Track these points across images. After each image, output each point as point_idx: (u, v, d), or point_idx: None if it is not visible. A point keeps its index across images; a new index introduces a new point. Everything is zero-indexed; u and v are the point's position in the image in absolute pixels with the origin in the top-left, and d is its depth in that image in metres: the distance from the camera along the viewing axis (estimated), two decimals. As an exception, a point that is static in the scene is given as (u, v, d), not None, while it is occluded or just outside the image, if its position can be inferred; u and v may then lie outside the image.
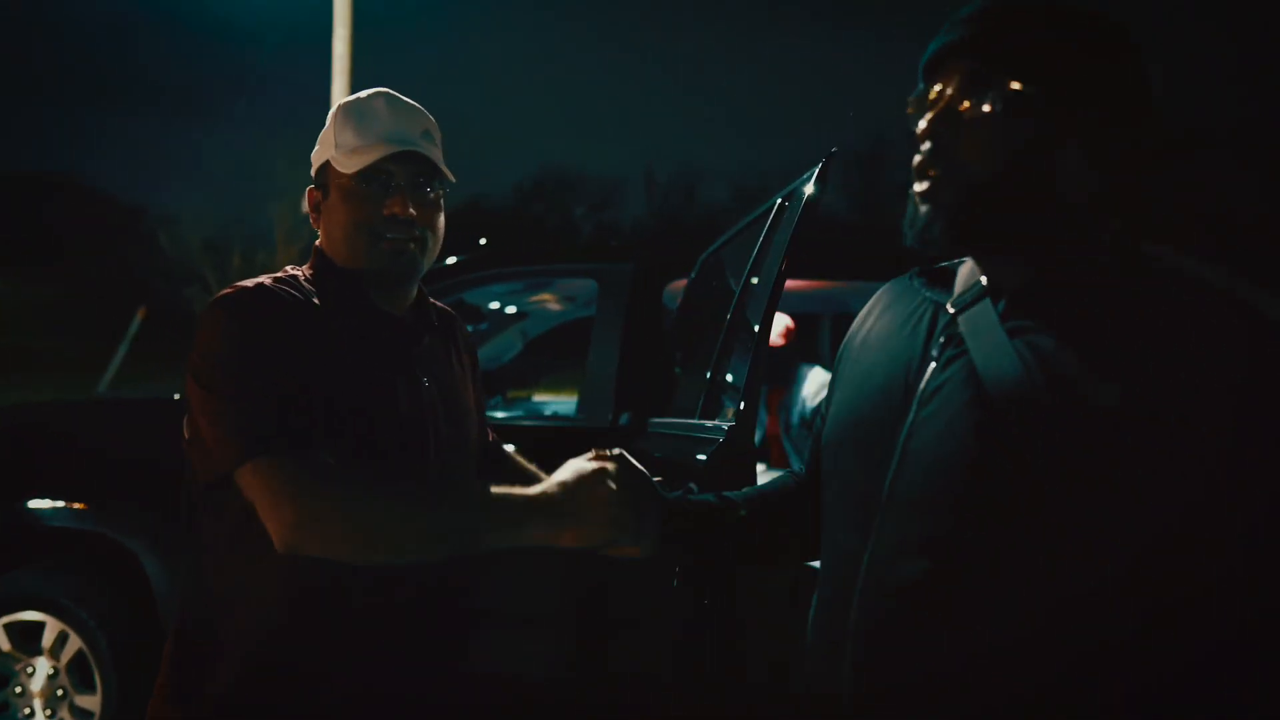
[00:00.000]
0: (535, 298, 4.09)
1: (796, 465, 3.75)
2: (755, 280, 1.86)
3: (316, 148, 1.34)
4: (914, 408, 0.88)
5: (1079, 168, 0.83)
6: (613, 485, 1.13)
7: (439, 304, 1.46)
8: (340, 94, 10.33)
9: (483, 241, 3.17)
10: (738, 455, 1.58)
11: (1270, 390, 0.74)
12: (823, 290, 3.72)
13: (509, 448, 1.65)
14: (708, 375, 1.94)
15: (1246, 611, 0.75)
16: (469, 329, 4.12)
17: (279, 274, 1.31)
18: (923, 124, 0.88)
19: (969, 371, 0.84)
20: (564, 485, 1.13)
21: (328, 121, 1.33)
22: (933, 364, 0.89)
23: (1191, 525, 0.74)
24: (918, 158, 0.89)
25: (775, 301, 1.68)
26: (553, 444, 2.76)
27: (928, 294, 0.96)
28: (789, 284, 3.60)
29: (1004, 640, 0.79)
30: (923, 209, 0.88)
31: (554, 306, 4.29)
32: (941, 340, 0.90)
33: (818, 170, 1.73)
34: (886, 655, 0.85)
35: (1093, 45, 0.84)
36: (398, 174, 1.28)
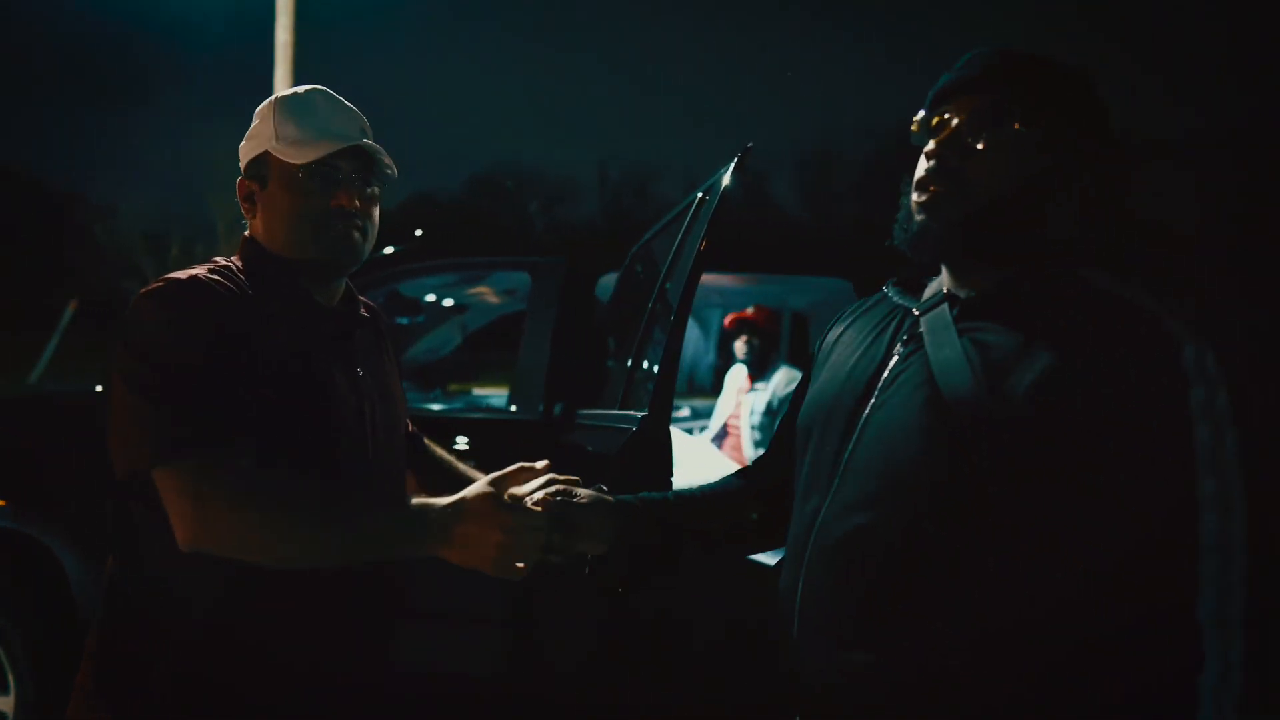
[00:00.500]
0: (473, 290, 4.07)
1: (751, 453, 3.86)
2: (673, 273, 1.88)
3: (247, 140, 1.35)
4: (876, 392, 1.03)
5: (1068, 201, 0.99)
6: (500, 517, 1.14)
7: (363, 299, 1.47)
8: (283, 83, 10.12)
9: (418, 233, 3.14)
10: (649, 445, 1.60)
11: (1145, 385, 0.89)
12: (779, 283, 3.80)
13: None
14: (628, 366, 1.96)
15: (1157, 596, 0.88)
16: (405, 321, 4.12)
17: (211, 265, 1.31)
18: (932, 144, 1.01)
19: (924, 364, 0.99)
20: (458, 510, 1.15)
21: (260, 114, 1.34)
22: (895, 358, 1.04)
23: (1084, 506, 0.88)
24: (921, 172, 1.01)
25: (691, 292, 1.70)
26: (484, 436, 2.76)
27: (899, 301, 1.11)
28: (761, 277, 3.74)
29: (928, 587, 0.94)
30: (919, 218, 1.01)
31: (493, 300, 4.28)
32: (905, 338, 1.05)
33: (734, 164, 1.76)
34: (823, 597, 1.00)
35: (1084, 99, 1.00)
36: (344, 168, 1.30)
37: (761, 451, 3.98)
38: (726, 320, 4.34)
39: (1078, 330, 0.92)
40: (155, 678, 1.20)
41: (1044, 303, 0.96)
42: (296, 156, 1.28)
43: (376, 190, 1.36)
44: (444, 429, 2.87)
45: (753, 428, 4.01)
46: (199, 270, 1.26)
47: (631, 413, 1.77)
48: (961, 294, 1.03)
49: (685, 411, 4.95)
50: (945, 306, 1.03)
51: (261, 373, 1.20)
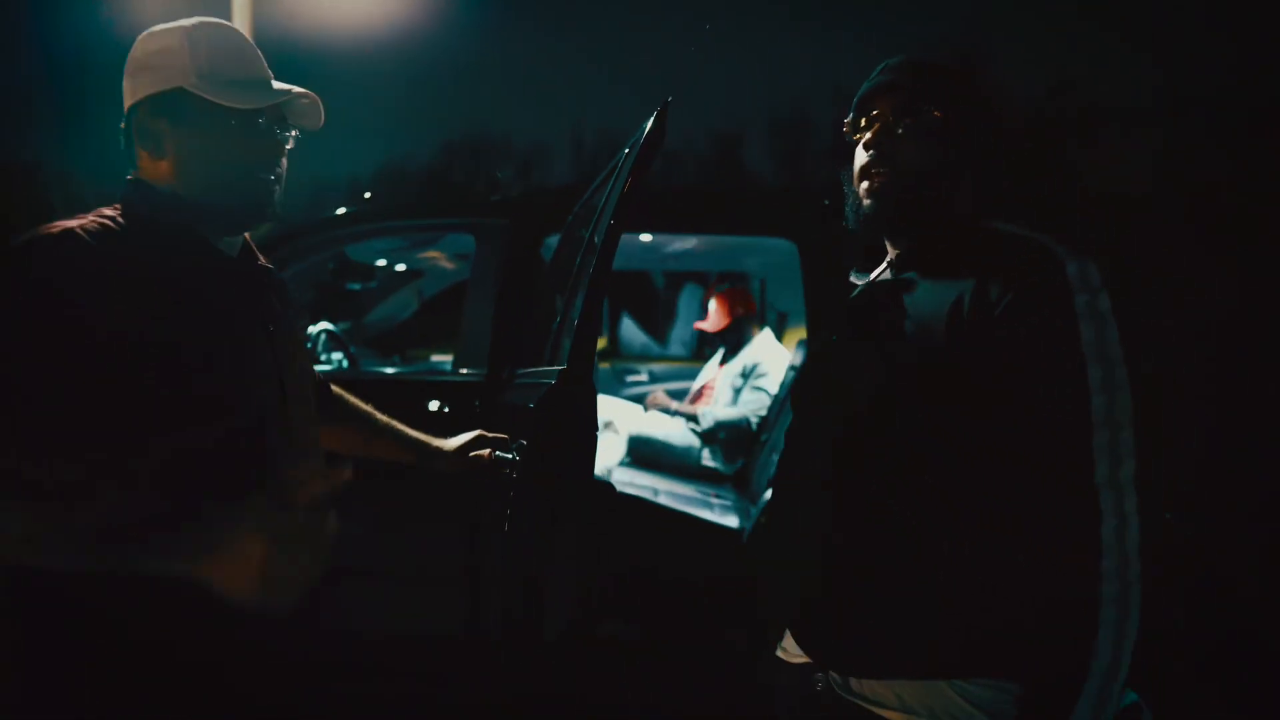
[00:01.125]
0: (427, 255, 4.04)
1: (720, 410, 3.95)
2: (599, 227, 1.87)
3: (147, 71, 1.24)
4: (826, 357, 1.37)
5: (969, 175, 1.23)
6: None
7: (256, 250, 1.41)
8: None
9: (367, 195, 3.10)
10: (567, 399, 1.60)
11: (1037, 296, 1.08)
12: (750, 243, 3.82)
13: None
14: (556, 323, 1.96)
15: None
16: (356, 286, 4.08)
17: (91, 216, 1.22)
18: (868, 136, 1.24)
19: (874, 319, 1.25)
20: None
21: (167, 45, 1.24)
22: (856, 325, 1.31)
23: (995, 400, 1.08)
24: (863, 161, 1.24)
25: (611, 244, 1.70)
26: (428, 397, 2.76)
27: (858, 279, 1.37)
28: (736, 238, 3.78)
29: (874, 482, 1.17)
30: (867, 202, 1.24)
31: (448, 265, 4.25)
32: (862, 310, 1.30)
33: (654, 116, 1.74)
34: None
35: (972, 93, 1.25)
36: (271, 115, 1.27)
37: (731, 409, 4.02)
38: (695, 327, 4.39)
39: (983, 262, 1.13)
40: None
41: (961, 247, 1.18)
42: (236, 100, 1.21)
43: (292, 141, 1.32)
44: (385, 391, 2.88)
45: (733, 390, 4.10)
46: (74, 223, 1.16)
47: (554, 368, 1.77)
48: (898, 253, 1.27)
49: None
50: (888, 269, 1.28)
51: (162, 331, 1.13)
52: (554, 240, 2.91)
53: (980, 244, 1.17)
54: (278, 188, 1.29)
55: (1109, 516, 1.03)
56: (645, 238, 3.94)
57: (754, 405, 3.94)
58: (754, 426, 3.92)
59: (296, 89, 1.28)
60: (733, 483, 3.95)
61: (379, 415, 1.67)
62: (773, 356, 4.05)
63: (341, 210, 3.05)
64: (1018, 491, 1.07)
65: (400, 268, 4.16)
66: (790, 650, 1.33)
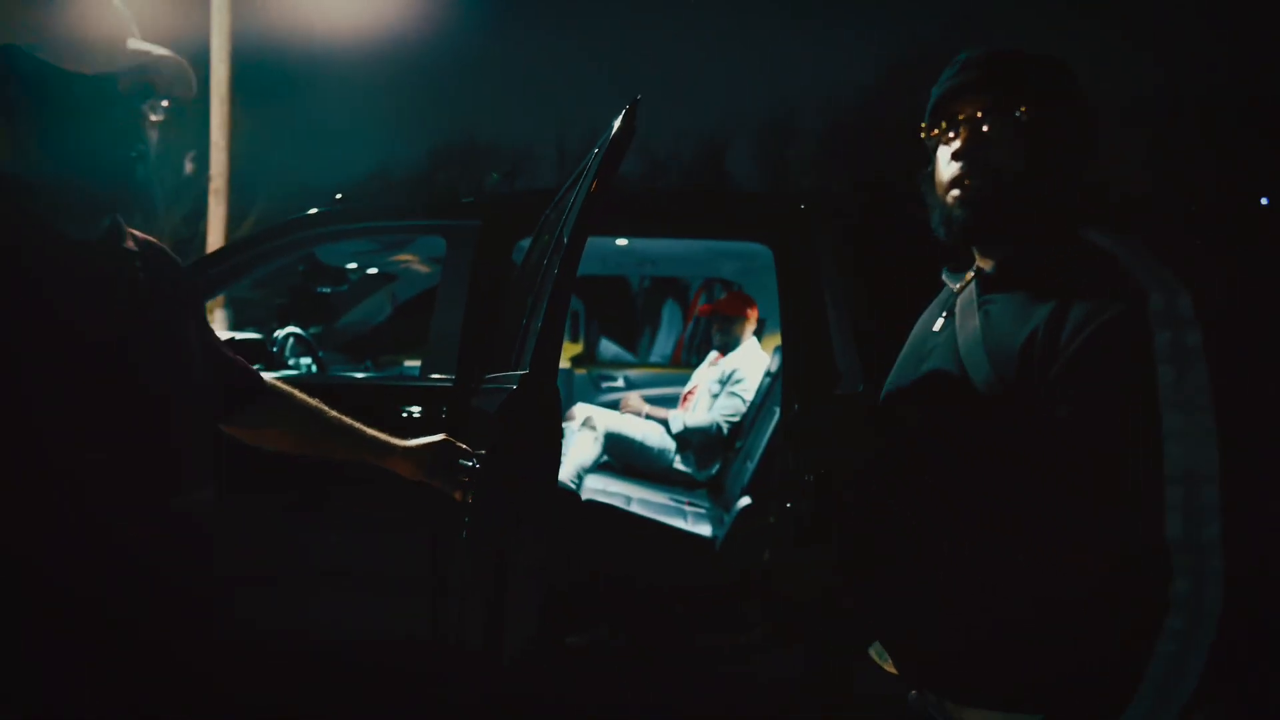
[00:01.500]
0: (399, 258, 3.98)
1: (702, 415, 3.95)
2: (565, 230, 1.83)
3: None
4: (923, 356, 1.23)
5: (1065, 175, 1.15)
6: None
7: (137, 233, 1.29)
8: (220, 53, 9.80)
9: (338, 197, 3.04)
10: (529, 405, 1.56)
11: (1113, 334, 0.99)
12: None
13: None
14: (522, 325, 1.92)
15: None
16: (327, 290, 4.01)
17: None
18: (958, 144, 1.16)
19: (953, 332, 1.18)
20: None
21: None
22: (935, 329, 1.24)
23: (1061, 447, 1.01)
24: (956, 171, 1.17)
25: (576, 249, 1.66)
26: (395, 403, 2.71)
27: (949, 281, 1.29)
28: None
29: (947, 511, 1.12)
30: (959, 211, 1.16)
31: (421, 269, 4.20)
32: (944, 314, 1.24)
33: (623, 114, 1.71)
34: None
35: (1065, 86, 1.17)
36: (130, 81, 1.14)
37: (702, 415, 4.01)
38: (701, 309, 4.41)
39: (1065, 285, 1.05)
40: None
41: (1047, 267, 1.10)
42: (82, 62, 1.08)
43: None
44: (357, 396, 2.82)
45: (711, 395, 4.09)
46: None
47: (517, 372, 1.72)
48: (986, 269, 1.20)
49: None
50: (974, 284, 1.20)
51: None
52: (527, 243, 2.87)
53: (1070, 260, 1.08)
54: (141, 165, 1.14)
55: (1182, 576, 0.93)
56: (620, 242, 3.90)
57: (727, 411, 3.91)
58: (725, 432, 3.89)
59: (158, 50, 1.15)
60: (708, 489, 3.91)
61: (330, 412, 1.62)
62: (752, 363, 4.03)
63: (313, 211, 2.99)
64: (1087, 536, 0.99)
65: (372, 271, 4.10)
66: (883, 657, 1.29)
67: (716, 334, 4.26)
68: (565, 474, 3.97)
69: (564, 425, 4.48)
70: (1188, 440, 0.94)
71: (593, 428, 4.03)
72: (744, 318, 4.18)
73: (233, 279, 2.88)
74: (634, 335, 5.58)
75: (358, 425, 1.63)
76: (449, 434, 1.68)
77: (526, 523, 1.57)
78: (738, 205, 3.10)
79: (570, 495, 2.76)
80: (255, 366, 2.63)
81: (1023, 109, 1.14)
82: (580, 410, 4.39)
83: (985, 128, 1.15)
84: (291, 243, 2.90)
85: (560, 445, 1.67)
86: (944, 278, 1.30)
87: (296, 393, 1.60)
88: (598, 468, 4.04)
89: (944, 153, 1.18)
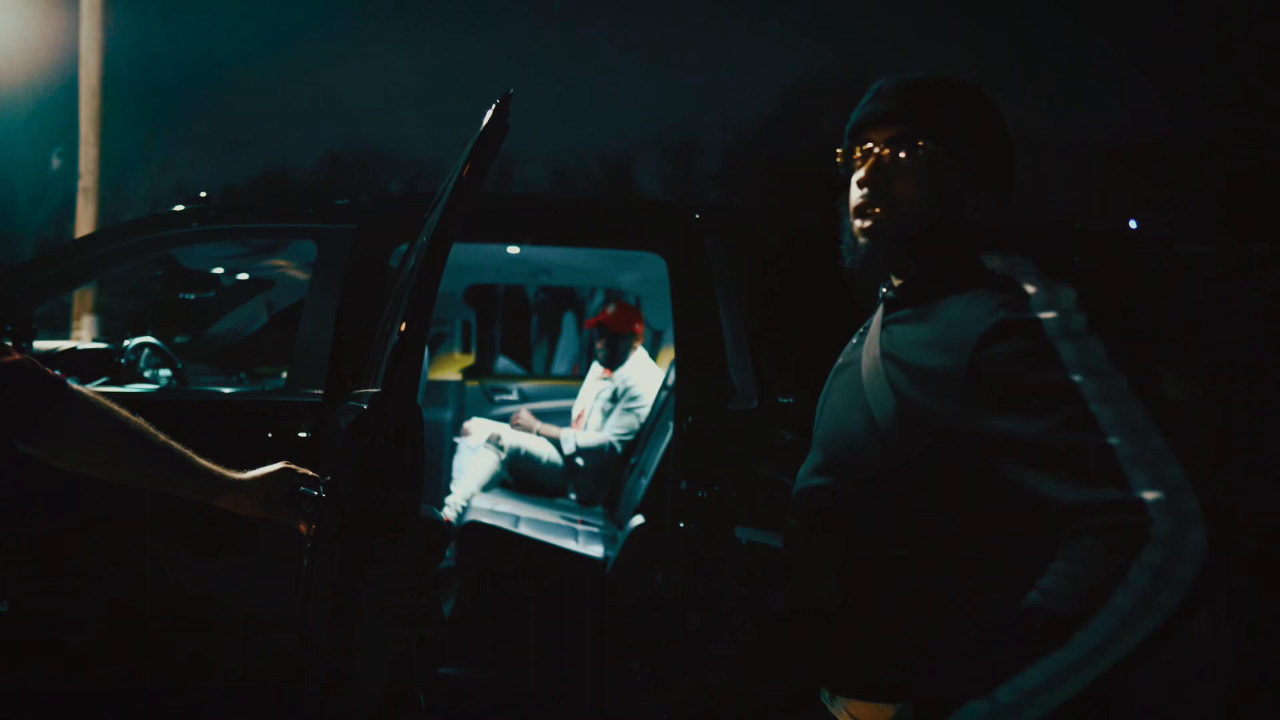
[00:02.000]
0: (273, 263, 3.72)
1: (583, 439, 3.82)
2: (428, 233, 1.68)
3: None
4: (834, 374, 1.27)
5: (974, 203, 1.16)
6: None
7: None
8: (90, 42, 9.16)
9: (203, 195, 2.77)
10: (380, 425, 1.40)
11: (1000, 358, 1.01)
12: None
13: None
14: (383, 339, 1.75)
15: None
16: (190, 296, 3.71)
17: None
18: (862, 173, 1.17)
19: (862, 353, 1.20)
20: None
21: None
22: (850, 345, 1.28)
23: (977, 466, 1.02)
24: (858, 200, 1.18)
25: (439, 252, 1.51)
26: (257, 418, 2.48)
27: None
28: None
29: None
30: (863, 241, 1.18)
31: (300, 275, 3.94)
32: (861, 331, 1.27)
33: (492, 110, 1.57)
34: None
35: (978, 111, 1.18)
36: None
37: (594, 435, 3.89)
38: (587, 322, 4.28)
39: (960, 301, 1.08)
40: None
41: (947, 286, 1.11)
42: None
43: None
44: (205, 412, 2.57)
45: (603, 413, 3.98)
46: None
47: (371, 390, 1.56)
48: (890, 291, 1.22)
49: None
50: (883, 304, 1.22)
51: None
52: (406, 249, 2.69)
53: (966, 281, 1.10)
54: None
55: (1161, 519, 0.91)
56: (513, 250, 3.75)
57: (621, 429, 3.80)
58: (620, 450, 3.78)
59: None
60: (603, 505, 3.79)
61: (159, 436, 1.41)
62: (645, 378, 3.93)
63: (179, 208, 2.73)
64: (1018, 524, 1.01)
65: (243, 277, 3.81)
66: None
67: (602, 349, 4.12)
68: (463, 493, 3.84)
69: (458, 441, 4.30)
70: (1110, 400, 0.95)
71: (499, 446, 3.88)
72: (632, 333, 4.06)
73: (68, 283, 2.59)
74: (530, 347, 5.42)
75: (189, 454, 1.43)
76: (310, 456, 1.49)
77: (377, 555, 1.41)
78: (631, 214, 3.00)
79: (436, 525, 2.58)
80: (99, 381, 2.37)
81: (922, 143, 1.14)
82: (476, 425, 4.21)
83: (889, 159, 1.16)
84: (141, 244, 2.64)
85: (421, 468, 1.51)
86: (883, 291, 1.28)
87: (118, 409, 1.39)
88: (495, 484, 3.88)
89: (853, 180, 1.19)
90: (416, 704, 1.76)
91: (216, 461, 1.46)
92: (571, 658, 2.73)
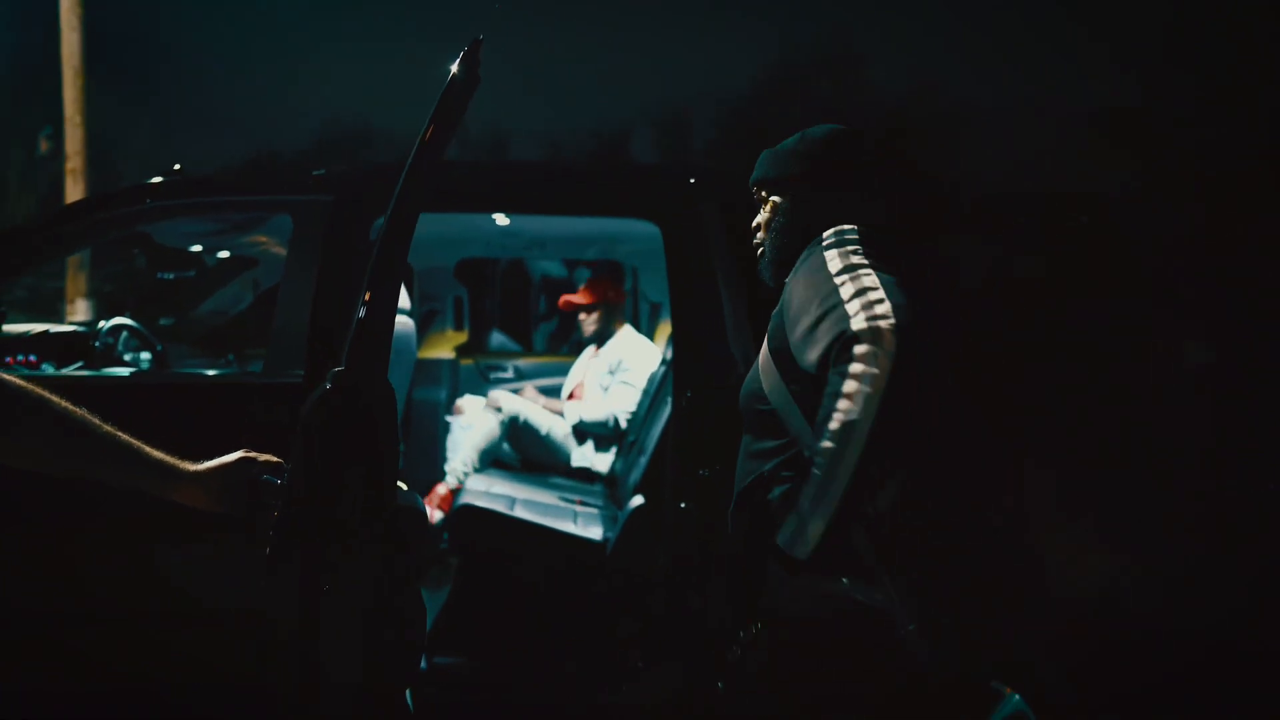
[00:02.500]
0: (254, 239, 3.58)
1: (586, 413, 3.72)
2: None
3: None
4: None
5: (811, 224, 1.62)
6: None
7: None
8: (70, 19, 8.96)
9: (177, 167, 2.63)
10: (341, 407, 1.27)
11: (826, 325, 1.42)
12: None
13: None
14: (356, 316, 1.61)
15: None
16: (169, 276, 3.58)
17: None
18: (757, 219, 1.74)
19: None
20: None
21: None
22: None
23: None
24: (757, 236, 1.75)
25: (403, 221, 1.37)
26: (233, 401, 2.36)
27: None
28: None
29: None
30: (761, 264, 1.73)
31: (280, 250, 3.80)
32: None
33: (459, 59, 1.43)
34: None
35: (809, 161, 1.65)
36: None
37: (595, 409, 3.78)
38: (560, 302, 4.13)
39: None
40: None
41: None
42: None
43: None
44: (187, 398, 2.45)
45: (601, 388, 3.86)
46: None
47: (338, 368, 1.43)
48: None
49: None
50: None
51: None
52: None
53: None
54: None
55: (831, 416, 1.33)
56: (502, 221, 3.61)
57: (622, 403, 3.68)
58: (623, 425, 3.66)
59: None
60: (604, 484, 3.68)
61: (103, 427, 1.29)
62: (637, 352, 3.81)
63: (155, 180, 2.58)
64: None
65: (224, 254, 3.68)
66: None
67: (584, 330, 4.00)
68: (462, 463, 3.77)
69: (451, 420, 4.18)
70: (856, 279, 1.42)
71: (498, 409, 3.77)
72: (605, 302, 3.91)
73: (27, 263, 2.45)
74: (529, 323, 5.27)
75: (137, 445, 1.30)
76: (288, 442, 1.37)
77: (344, 547, 1.29)
78: (622, 179, 2.84)
79: (415, 513, 2.45)
80: (74, 366, 2.22)
81: (779, 199, 1.67)
82: (470, 403, 4.09)
83: (760, 214, 1.71)
84: (107, 220, 2.50)
85: (394, 451, 1.39)
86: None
87: (55, 400, 1.26)
88: (490, 463, 3.78)
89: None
90: (402, 704, 1.65)
91: (192, 449, 1.35)
92: (570, 646, 2.63)
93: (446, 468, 3.81)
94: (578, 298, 3.96)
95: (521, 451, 3.86)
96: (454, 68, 1.42)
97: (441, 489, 3.71)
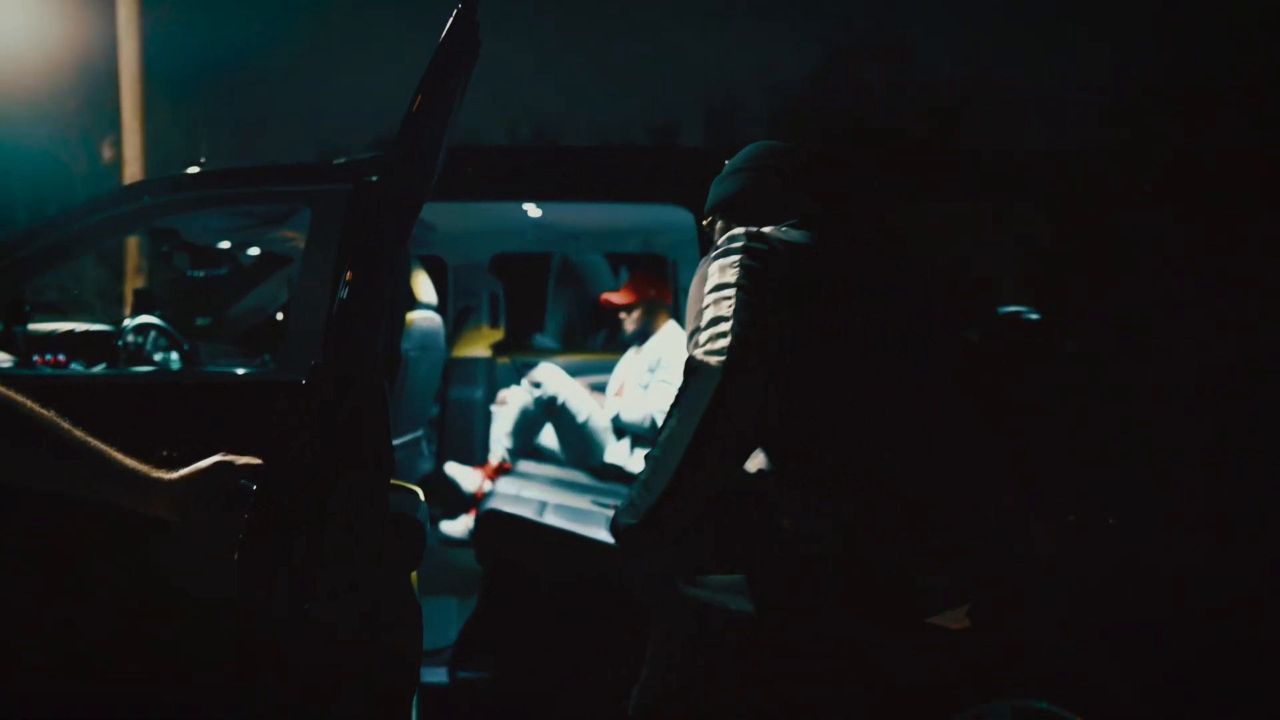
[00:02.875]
0: (285, 234, 3.51)
1: (625, 413, 3.61)
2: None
3: None
4: None
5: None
6: None
7: None
8: (128, 26, 9.14)
9: (202, 161, 2.55)
10: (316, 404, 1.14)
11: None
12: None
13: None
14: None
15: None
16: (199, 274, 3.53)
17: None
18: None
19: None
20: None
21: None
22: None
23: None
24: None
25: (391, 196, 1.24)
26: (248, 398, 2.27)
27: None
28: None
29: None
30: None
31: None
32: None
33: (455, 14, 1.28)
34: None
35: (735, 185, 1.72)
36: None
37: (633, 410, 3.65)
38: (600, 300, 4.01)
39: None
40: None
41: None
42: None
43: None
44: (197, 395, 2.36)
45: (641, 387, 3.74)
46: None
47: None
48: None
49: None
50: None
51: None
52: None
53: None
54: None
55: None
56: (533, 212, 3.48)
57: (659, 403, 3.52)
58: (659, 425, 3.51)
59: None
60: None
61: (71, 432, 1.18)
62: (678, 349, 3.64)
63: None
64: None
65: (253, 251, 3.61)
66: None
67: (625, 329, 3.87)
68: (500, 442, 3.81)
69: (493, 409, 4.08)
70: (717, 303, 1.46)
71: (537, 385, 3.67)
72: (646, 300, 3.78)
73: (51, 261, 2.39)
74: (567, 319, 5.13)
75: (109, 453, 1.19)
76: None
77: (319, 560, 1.16)
78: (650, 162, 2.67)
79: (419, 525, 2.34)
80: (95, 367, 2.14)
81: (707, 219, 1.77)
82: (513, 394, 3.99)
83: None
84: (121, 218, 2.42)
85: (383, 456, 1.26)
86: None
87: (22, 401, 1.16)
88: (529, 447, 3.69)
89: None
90: (404, 715, 1.52)
91: (205, 447, 1.27)
92: (601, 657, 2.48)
93: (490, 458, 3.78)
94: (617, 297, 3.83)
95: (557, 433, 3.77)
96: (444, 31, 1.28)
97: (491, 461, 3.80)
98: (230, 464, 1.25)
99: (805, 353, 1.42)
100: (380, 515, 1.28)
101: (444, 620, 2.94)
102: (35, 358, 2.72)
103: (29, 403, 1.17)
